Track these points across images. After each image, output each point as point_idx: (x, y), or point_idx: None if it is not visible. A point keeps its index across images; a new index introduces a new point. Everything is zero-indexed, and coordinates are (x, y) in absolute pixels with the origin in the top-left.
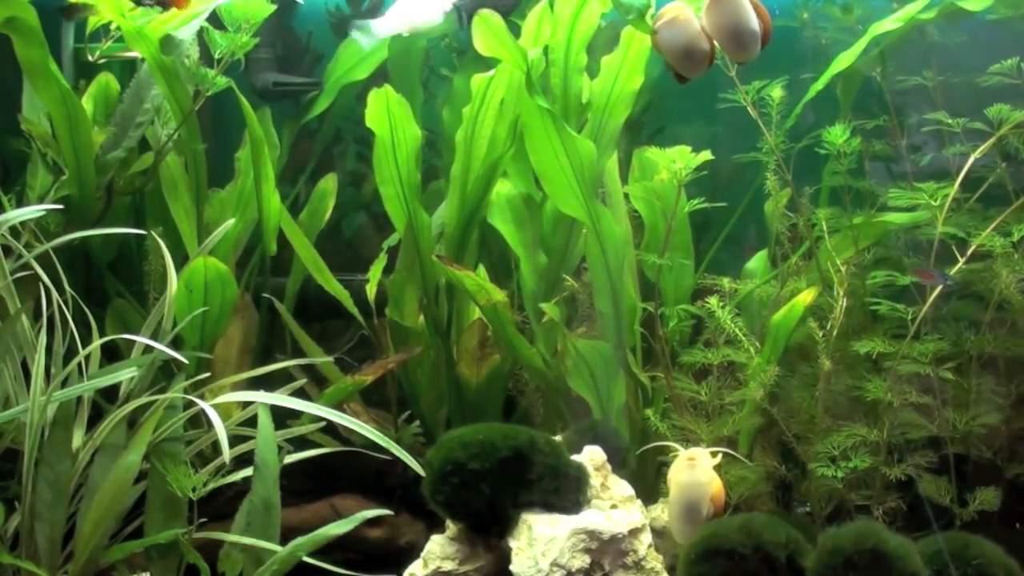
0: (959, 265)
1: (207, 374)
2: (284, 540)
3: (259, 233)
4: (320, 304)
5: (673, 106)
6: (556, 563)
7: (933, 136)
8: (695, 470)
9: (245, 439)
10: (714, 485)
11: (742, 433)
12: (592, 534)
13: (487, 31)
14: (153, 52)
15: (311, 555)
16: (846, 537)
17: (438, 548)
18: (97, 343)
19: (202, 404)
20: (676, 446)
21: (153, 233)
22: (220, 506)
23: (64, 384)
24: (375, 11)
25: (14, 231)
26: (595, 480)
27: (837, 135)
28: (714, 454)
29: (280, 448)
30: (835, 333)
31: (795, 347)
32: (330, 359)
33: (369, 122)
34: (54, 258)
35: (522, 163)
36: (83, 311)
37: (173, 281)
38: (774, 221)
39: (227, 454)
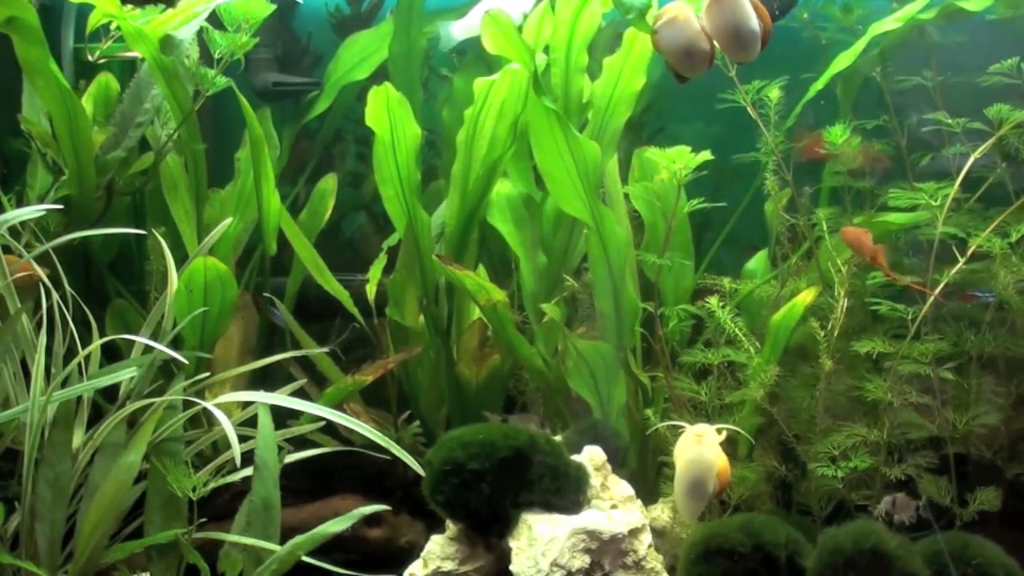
0: (959, 265)
1: (207, 374)
2: (284, 540)
3: (259, 233)
4: (320, 304)
5: (673, 106)
6: (556, 563)
7: (933, 136)
8: (702, 446)
9: (245, 439)
10: (720, 462)
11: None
12: (592, 534)
13: (496, 30)
14: (153, 52)
15: (312, 555)
16: (846, 537)
17: (438, 548)
18: (97, 343)
19: (207, 404)
20: (683, 424)
21: (155, 232)
22: (220, 506)
23: (64, 384)
24: (375, 11)
25: (14, 231)
26: (595, 480)
27: (837, 135)
28: (720, 431)
29: (280, 448)
30: (835, 333)
31: (795, 347)
32: (324, 350)
33: (369, 121)
34: (54, 258)
35: (522, 163)
36: (83, 311)
37: (173, 281)
38: (774, 221)
39: (237, 452)
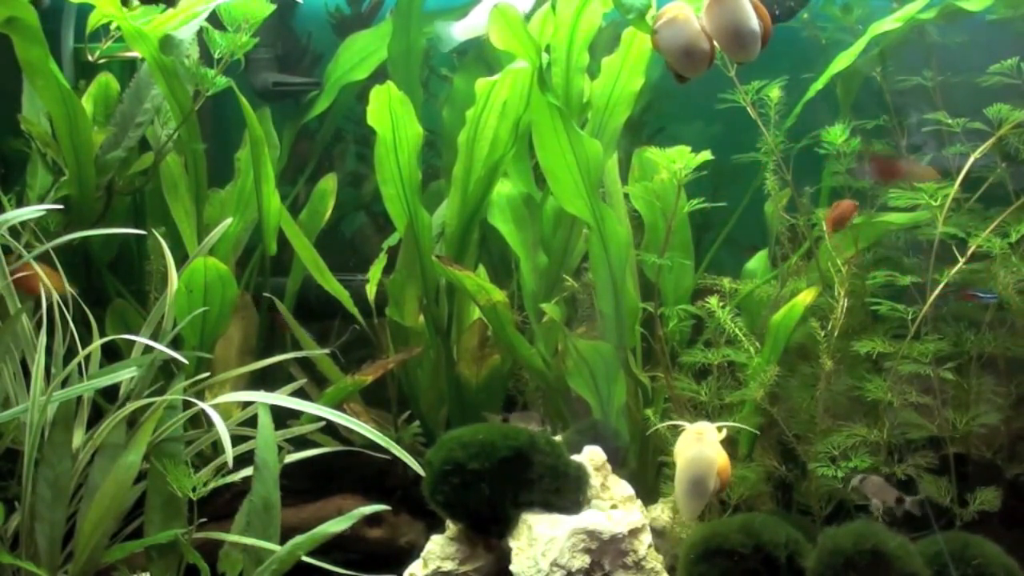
0: (959, 265)
1: (207, 374)
2: (284, 540)
3: (259, 233)
4: (320, 304)
5: (673, 106)
6: (556, 563)
7: (933, 136)
8: (702, 444)
9: (245, 439)
10: (721, 459)
11: (742, 433)
12: (592, 534)
13: (503, 24)
14: (153, 52)
15: (312, 555)
16: (846, 537)
17: (438, 548)
18: (97, 343)
19: (203, 406)
20: (683, 423)
21: (155, 232)
22: (220, 506)
23: (64, 384)
24: (375, 11)
25: (14, 231)
26: (595, 480)
27: (836, 135)
28: (720, 429)
29: (280, 448)
30: (835, 333)
31: (795, 347)
32: (325, 352)
33: (371, 120)
34: (54, 258)
35: (522, 163)
36: (83, 311)
37: (173, 281)
38: (774, 221)
39: (230, 454)
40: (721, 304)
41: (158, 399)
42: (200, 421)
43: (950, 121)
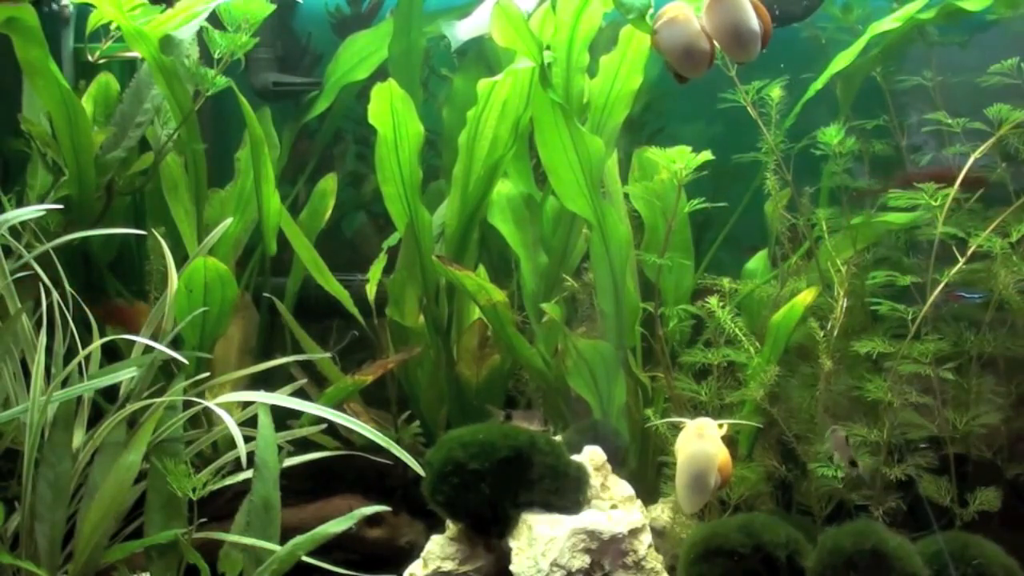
0: (959, 265)
1: (207, 374)
2: (284, 540)
3: (259, 233)
4: (320, 304)
5: (673, 106)
6: (556, 563)
7: (933, 136)
8: (703, 440)
9: (246, 439)
10: (722, 455)
11: (742, 433)
12: (592, 534)
13: (506, 22)
14: (153, 52)
15: (312, 555)
16: (846, 537)
17: (438, 548)
18: (97, 343)
19: (209, 403)
20: (684, 420)
21: (155, 232)
22: (220, 506)
23: (64, 384)
24: (375, 11)
25: (14, 231)
26: (595, 480)
27: (832, 135)
28: (721, 425)
29: (280, 448)
30: (835, 333)
31: (795, 347)
32: (327, 355)
33: (372, 118)
34: (54, 258)
35: (523, 163)
36: (83, 311)
37: (173, 281)
38: (774, 221)
39: (243, 450)
40: (721, 304)
41: (158, 399)
42: (200, 421)
43: (950, 121)
